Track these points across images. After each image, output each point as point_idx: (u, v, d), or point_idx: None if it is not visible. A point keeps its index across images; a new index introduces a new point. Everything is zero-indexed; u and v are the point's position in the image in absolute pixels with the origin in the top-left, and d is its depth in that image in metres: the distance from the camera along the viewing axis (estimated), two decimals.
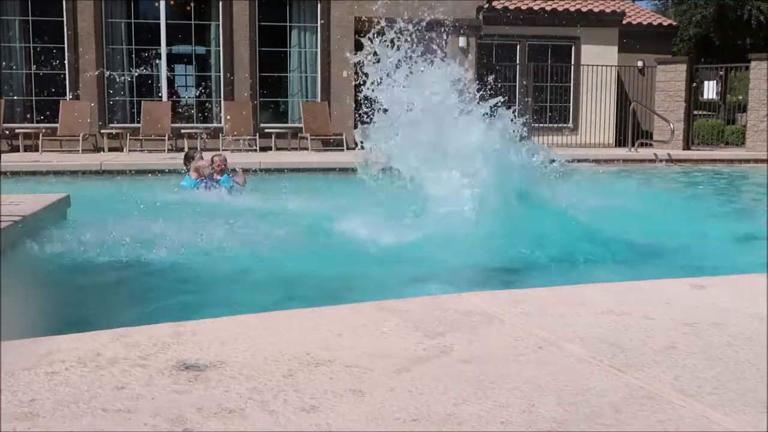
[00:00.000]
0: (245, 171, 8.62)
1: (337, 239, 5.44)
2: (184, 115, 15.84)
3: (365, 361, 2.09)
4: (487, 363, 2.09)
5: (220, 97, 13.58)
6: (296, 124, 13.73)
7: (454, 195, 5.31)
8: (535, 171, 5.64)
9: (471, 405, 1.79)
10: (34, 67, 12.98)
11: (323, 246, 5.30)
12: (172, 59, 15.79)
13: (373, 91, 5.69)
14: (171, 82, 15.39)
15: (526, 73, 15.67)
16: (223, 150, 12.49)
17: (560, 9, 16.46)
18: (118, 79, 13.21)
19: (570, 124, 16.63)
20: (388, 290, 3.77)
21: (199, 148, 10.46)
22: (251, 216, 6.25)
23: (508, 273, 4.52)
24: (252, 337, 2.32)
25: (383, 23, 5.78)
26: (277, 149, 13.21)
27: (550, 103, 16.42)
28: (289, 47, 13.89)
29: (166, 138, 12.64)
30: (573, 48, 16.61)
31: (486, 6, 14.75)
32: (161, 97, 13.56)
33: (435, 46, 5.68)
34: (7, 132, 12.49)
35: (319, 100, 13.82)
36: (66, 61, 12.83)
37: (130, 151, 12.47)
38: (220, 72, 13.51)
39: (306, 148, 13.23)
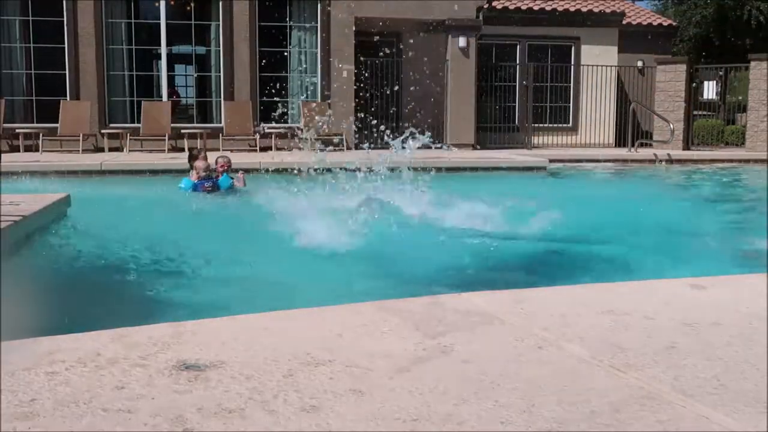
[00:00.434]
0: (245, 172, 8.64)
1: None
2: (184, 115, 15.86)
3: (365, 361, 2.09)
4: (487, 363, 2.09)
5: (220, 97, 13.57)
6: (296, 124, 13.72)
7: None
8: None
9: (471, 405, 1.79)
10: (34, 67, 12.97)
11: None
12: (172, 59, 15.79)
13: None
14: (171, 82, 15.40)
15: (526, 73, 15.67)
16: (223, 150, 12.51)
17: (560, 9, 16.46)
18: (118, 79, 13.22)
19: (570, 124, 16.63)
20: None
21: (201, 148, 10.45)
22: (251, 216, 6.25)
23: None
24: (252, 337, 2.32)
25: None
26: (277, 149, 13.21)
27: (550, 103, 16.42)
28: (289, 47, 13.89)
29: (166, 138, 12.64)
30: (573, 48, 16.61)
31: (486, 6, 14.75)
32: (161, 97, 13.56)
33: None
34: (8, 132, 12.49)
35: (319, 100, 13.82)
36: (66, 61, 12.82)
37: (130, 151, 12.47)
38: (220, 72, 13.50)
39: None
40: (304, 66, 14.00)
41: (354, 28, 13.68)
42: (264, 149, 13.04)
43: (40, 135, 12.33)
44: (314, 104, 13.68)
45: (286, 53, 13.86)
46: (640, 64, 17.07)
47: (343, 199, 6.60)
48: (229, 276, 4.46)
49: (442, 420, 1.70)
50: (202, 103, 14.82)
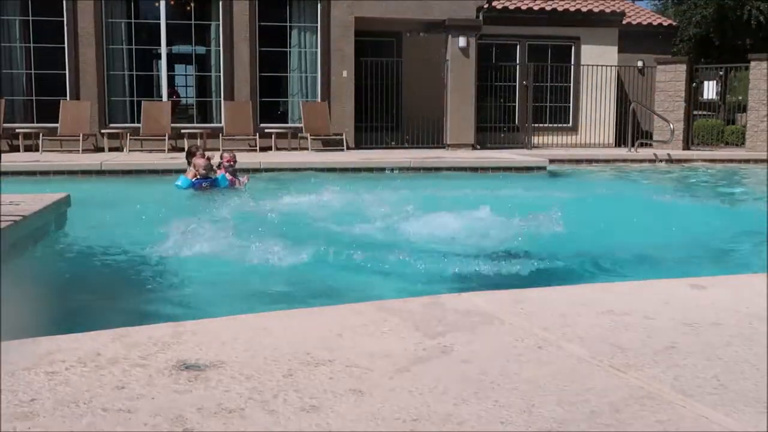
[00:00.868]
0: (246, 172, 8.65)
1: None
2: (184, 115, 15.85)
3: (365, 361, 2.09)
4: (487, 363, 2.09)
5: (220, 97, 13.57)
6: (296, 124, 13.73)
7: None
8: None
9: (471, 405, 1.79)
10: (34, 67, 12.97)
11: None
12: (172, 59, 15.79)
13: None
14: (171, 82, 15.39)
15: (526, 73, 15.67)
16: (223, 150, 12.51)
17: (560, 9, 16.45)
18: (118, 79, 13.22)
19: (570, 124, 16.63)
20: None
21: (200, 145, 10.43)
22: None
23: None
24: (252, 337, 2.32)
25: None
26: (277, 149, 13.21)
27: (550, 103, 16.41)
28: (289, 47, 13.89)
29: (166, 138, 12.64)
30: (573, 48, 16.61)
31: (486, 6, 14.74)
32: (161, 97, 13.56)
33: None
34: (8, 132, 12.49)
35: (319, 100, 13.82)
36: (66, 61, 12.82)
37: (130, 151, 12.47)
38: (220, 72, 13.50)
39: (306, 148, 13.24)
40: (304, 66, 14.00)
41: (354, 28, 13.68)
42: (264, 149, 13.05)
43: (40, 135, 12.33)
44: (314, 104, 13.68)
45: (285, 53, 13.86)
46: (640, 64, 17.07)
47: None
48: (226, 275, 4.46)
49: (442, 420, 1.70)
50: (202, 103, 14.82)
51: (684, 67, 15.32)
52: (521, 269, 4.66)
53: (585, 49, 16.46)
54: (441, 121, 14.51)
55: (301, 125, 13.43)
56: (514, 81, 16.26)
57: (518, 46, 16.38)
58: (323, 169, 10.53)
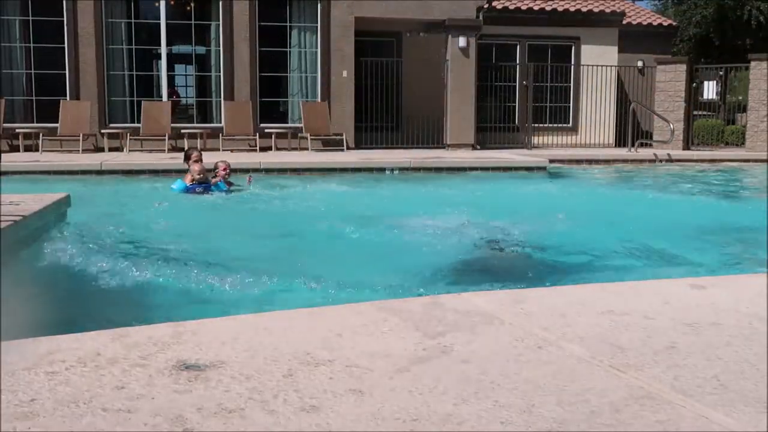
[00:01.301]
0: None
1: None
2: (184, 115, 15.85)
3: (365, 361, 2.09)
4: (487, 363, 2.09)
5: (220, 97, 13.57)
6: (296, 124, 13.73)
7: None
8: None
9: (471, 405, 1.79)
10: (34, 67, 12.97)
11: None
12: (172, 59, 15.78)
13: None
14: (171, 82, 15.38)
15: (526, 73, 15.66)
16: (223, 150, 12.51)
17: (560, 9, 16.45)
18: (118, 79, 13.22)
19: (570, 124, 16.63)
20: None
21: (195, 147, 10.39)
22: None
23: None
24: (252, 337, 2.32)
25: None
26: (277, 149, 13.21)
27: (550, 103, 16.41)
28: (289, 47, 13.89)
29: (167, 138, 12.64)
30: (573, 48, 16.60)
31: (486, 6, 14.74)
32: (161, 97, 13.56)
33: None
34: (8, 132, 12.48)
35: (319, 100, 13.82)
36: (66, 61, 12.82)
37: (130, 151, 12.47)
38: (220, 72, 13.50)
39: (306, 148, 13.24)
40: (304, 66, 14.00)
41: (354, 28, 13.67)
42: (264, 149, 13.05)
43: (40, 135, 12.32)
44: (314, 104, 13.68)
45: (285, 53, 13.86)
46: (640, 64, 17.06)
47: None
48: (224, 274, 4.45)
49: (441, 420, 1.70)
50: (202, 103, 14.81)
51: (684, 67, 15.32)
52: (521, 269, 4.67)
53: (585, 49, 16.46)
54: (441, 121, 14.51)
55: (301, 125, 13.42)
56: (514, 81, 16.26)
57: (518, 46, 16.38)
58: (323, 169, 10.54)
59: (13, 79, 13.03)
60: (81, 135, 12.24)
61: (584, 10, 16.54)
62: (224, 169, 8.12)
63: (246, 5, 13.21)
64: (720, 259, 5.11)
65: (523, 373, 2.01)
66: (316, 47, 13.78)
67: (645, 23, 18.37)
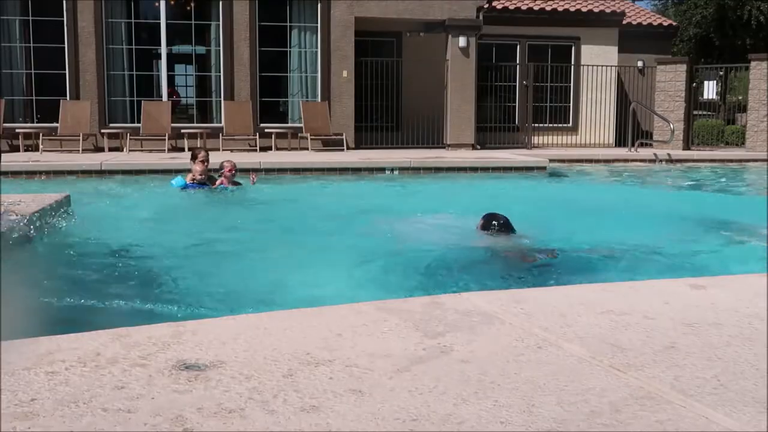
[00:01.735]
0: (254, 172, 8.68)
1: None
2: (184, 115, 15.84)
3: (365, 361, 2.09)
4: (487, 363, 2.09)
5: (220, 97, 13.57)
6: (296, 124, 13.73)
7: None
8: None
9: (471, 405, 1.79)
10: (34, 67, 12.97)
11: None
12: (172, 59, 15.78)
13: None
14: (171, 82, 15.37)
15: (526, 73, 15.66)
16: (223, 150, 12.50)
17: (560, 9, 16.45)
18: (118, 79, 13.22)
19: (570, 124, 16.63)
20: None
21: (203, 148, 10.40)
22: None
23: None
24: (252, 337, 2.32)
25: None
26: (277, 149, 13.21)
27: (550, 103, 16.41)
28: (289, 47, 13.89)
29: (167, 138, 12.64)
30: (573, 48, 16.61)
31: (486, 6, 14.74)
32: (161, 96, 13.56)
33: None
34: (8, 132, 12.48)
35: (319, 100, 13.82)
36: (66, 61, 12.82)
37: (130, 151, 12.47)
38: (220, 72, 13.50)
39: (306, 148, 13.24)
40: (304, 66, 13.99)
41: (354, 28, 13.68)
42: (264, 149, 13.05)
43: (40, 135, 12.33)
44: (314, 104, 13.68)
45: (285, 53, 13.86)
46: (640, 64, 17.06)
47: None
48: (223, 274, 4.46)
49: (441, 420, 1.70)
50: (202, 103, 14.82)
51: (684, 67, 15.32)
52: (521, 269, 4.66)
53: (585, 49, 16.47)
54: (441, 121, 14.52)
55: (301, 125, 13.43)
56: (514, 81, 16.27)
57: (518, 46, 16.38)
58: (323, 169, 10.54)
59: (13, 79, 13.03)
60: (81, 135, 12.25)
61: (584, 10, 16.55)
62: (230, 170, 8.11)
63: (246, 5, 13.21)
64: (719, 259, 5.11)
65: (523, 373, 2.01)
66: (316, 47, 13.78)
67: (645, 23, 18.37)
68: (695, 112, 16.22)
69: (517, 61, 16.31)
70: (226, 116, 13.17)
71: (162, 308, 3.71)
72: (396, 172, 10.62)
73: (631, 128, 14.99)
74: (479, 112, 14.77)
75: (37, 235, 4.83)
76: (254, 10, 13.29)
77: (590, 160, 13.12)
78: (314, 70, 13.92)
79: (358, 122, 14.00)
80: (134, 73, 13.41)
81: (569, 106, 16.64)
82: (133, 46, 13.31)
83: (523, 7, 16.27)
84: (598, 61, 16.12)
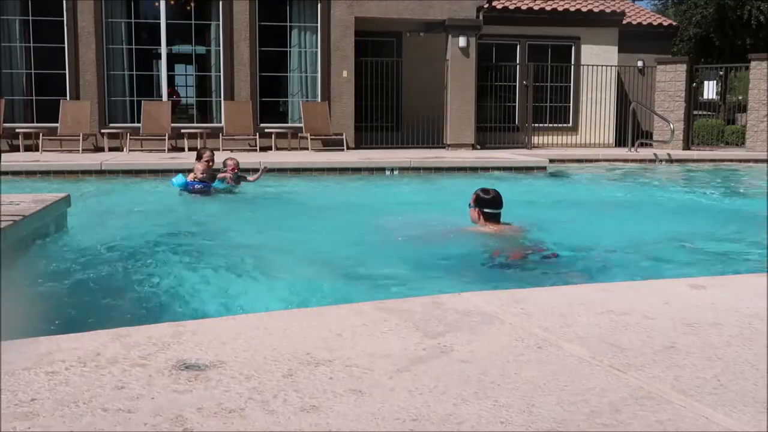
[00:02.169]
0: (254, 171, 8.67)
1: None
2: (184, 115, 15.85)
3: (365, 361, 2.09)
4: (487, 363, 2.09)
5: (220, 97, 13.57)
6: (296, 124, 13.73)
7: None
8: None
9: (471, 405, 1.79)
10: (34, 67, 12.97)
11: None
12: (172, 59, 15.78)
13: None
14: (171, 82, 15.37)
15: (526, 73, 15.67)
16: (223, 150, 12.50)
17: (560, 9, 16.45)
18: (118, 79, 13.22)
19: (570, 124, 16.63)
20: None
21: (208, 148, 10.39)
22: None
23: None
24: (252, 337, 2.32)
25: None
26: (277, 149, 13.21)
27: (550, 103, 16.41)
28: (289, 47, 13.89)
29: (167, 138, 12.64)
30: (573, 48, 16.61)
31: (486, 6, 14.74)
32: (161, 96, 13.56)
33: None
34: (8, 132, 12.48)
35: (319, 100, 13.82)
36: (66, 61, 12.82)
37: (130, 150, 12.47)
38: (220, 72, 13.50)
39: (306, 148, 13.24)
40: (304, 66, 13.99)
41: (354, 28, 13.68)
42: (264, 149, 13.05)
43: (40, 135, 12.33)
44: (314, 104, 13.68)
45: (285, 53, 13.86)
46: (640, 64, 17.06)
47: None
48: (224, 273, 4.46)
49: (441, 420, 1.70)
50: (202, 103, 14.82)
51: (684, 67, 15.33)
52: (521, 269, 4.66)
53: (585, 49, 16.47)
54: (441, 121, 14.52)
55: (301, 125, 13.43)
56: (514, 81, 16.27)
57: (518, 46, 16.38)
58: (323, 169, 10.54)
59: (13, 79, 13.03)
60: (81, 135, 12.25)
61: (584, 10, 16.54)
62: (232, 169, 8.11)
63: (246, 5, 13.21)
64: (719, 259, 5.11)
65: (523, 373, 2.01)
66: (316, 47, 13.78)
67: (645, 23, 18.37)
68: (695, 112, 16.22)
69: (517, 61, 16.31)
70: (226, 116, 13.18)
71: (162, 308, 3.71)
72: (396, 172, 10.62)
73: (631, 128, 14.99)
74: (479, 112, 14.78)
75: (36, 235, 4.83)
76: (254, 10, 13.29)
77: (590, 160, 13.12)
78: (314, 70, 13.92)
79: (358, 122, 14.00)
80: (134, 73, 13.41)
81: (569, 106, 16.64)
82: (133, 46, 13.31)
83: (523, 7, 16.27)
84: (598, 61, 16.12)
